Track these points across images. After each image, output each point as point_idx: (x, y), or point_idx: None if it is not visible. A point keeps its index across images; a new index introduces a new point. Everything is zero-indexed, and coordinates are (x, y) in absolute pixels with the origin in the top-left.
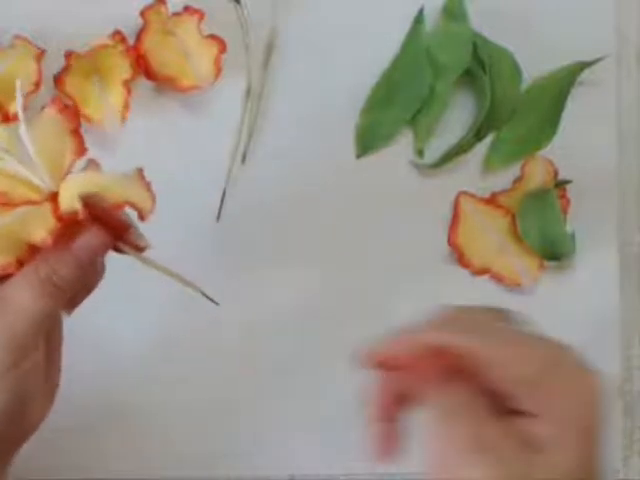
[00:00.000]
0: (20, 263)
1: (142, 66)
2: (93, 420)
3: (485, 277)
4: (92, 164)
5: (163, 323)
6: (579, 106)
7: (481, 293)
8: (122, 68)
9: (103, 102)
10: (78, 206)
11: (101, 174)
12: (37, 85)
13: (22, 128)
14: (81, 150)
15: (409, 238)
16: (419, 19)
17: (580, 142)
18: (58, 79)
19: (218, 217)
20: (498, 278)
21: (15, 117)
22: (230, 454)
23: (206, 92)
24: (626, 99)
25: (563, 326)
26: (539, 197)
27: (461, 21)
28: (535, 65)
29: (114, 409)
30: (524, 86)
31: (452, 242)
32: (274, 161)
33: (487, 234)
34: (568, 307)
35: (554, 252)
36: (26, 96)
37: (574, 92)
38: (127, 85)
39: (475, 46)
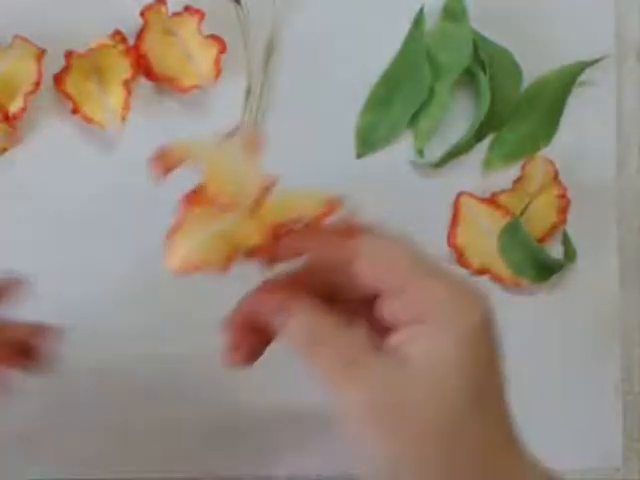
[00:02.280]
0: (227, 265)
1: (142, 66)
2: (93, 419)
3: (485, 277)
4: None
5: (163, 323)
6: (579, 106)
7: None
8: (122, 68)
9: (103, 102)
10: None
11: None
12: (37, 85)
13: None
14: None
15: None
16: (419, 19)
17: (580, 142)
18: (58, 79)
19: None
20: (498, 278)
21: (14, 117)
22: (230, 454)
23: (206, 92)
24: (626, 99)
25: (563, 326)
26: (510, 232)
27: (461, 21)
28: (535, 65)
29: (114, 409)
30: (524, 86)
31: (452, 242)
32: (274, 161)
33: (487, 234)
34: (568, 307)
35: (548, 273)
36: (26, 96)
37: (574, 92)
38: (127, 85)
39: (475, 46)
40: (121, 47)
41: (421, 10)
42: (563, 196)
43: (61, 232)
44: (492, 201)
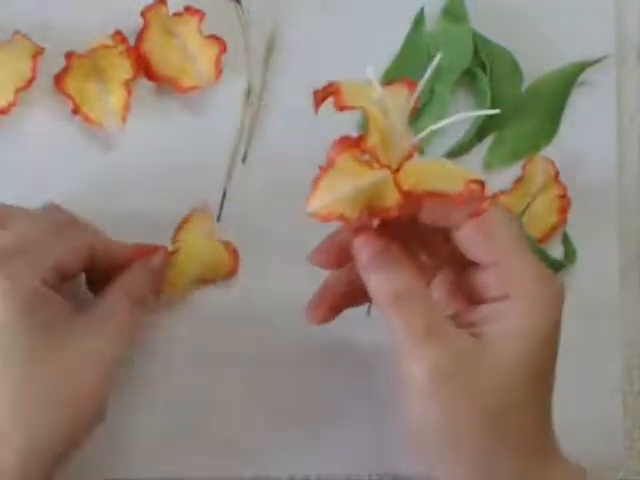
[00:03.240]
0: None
1: (142, 66)
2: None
3: None
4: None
5: (164, 321)
6: (579, 106)
7: None
8: (122, 68)
9: (103, 102)
10: (415, 189)
11: (441, 162)
12: (29, 82)
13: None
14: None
15: None
16: (419, 19)
17: (580, 142)
18: (58, 79)
19: (219, 218)
20: None
21: (5, 110)
22: (230, 454)
23: (206, 92)
24: (626, 99)
25: (563, 326)
26: None
27: (461, 21)
28: (535, 65)
29: (114, 408)
30: (524, 86)
31: None
32: (274, 161)
33: None
34: (568, 307)
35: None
36: (16, 92)
37: (574, 92)
38: (128, 85)
39: (475, 46)
40: (121, 47)
41: (421, 10)
42: (563, 196)
43: None
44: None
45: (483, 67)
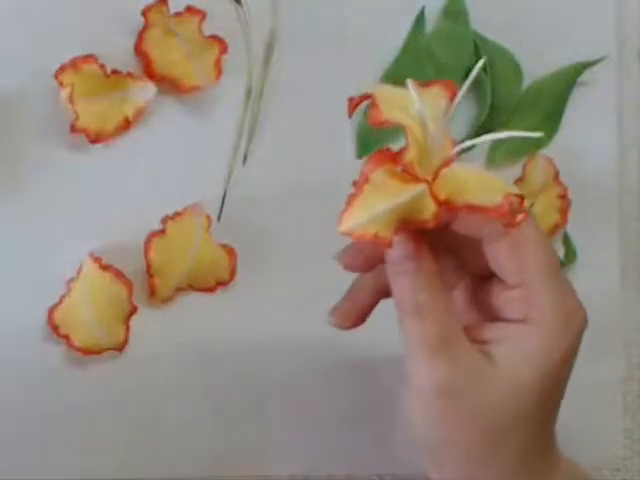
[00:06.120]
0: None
1: (143, 66)
2: (93, 419)
3: None
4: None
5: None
6: (579, 106)
7: None
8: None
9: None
10: (452, 199)
11: (479, 171)
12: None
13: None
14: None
15: None
16: (420, 19)
17: (580, 142)
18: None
19: (219, 218)
20: None
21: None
22: (230, 454)
23: (207, 92)
24: (626, 99)
25: None
26: None
27: (462, 21)
28: (535, 65)
29: (114, 407)
30: (524, 86)
31: None
32: (274, 161)
33: None
34: None
35: None
36: None
37: (574, 92)
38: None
39: (476, 46)
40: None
41: (422, 11)
42: (564, 196)
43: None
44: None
45: (484, 67)
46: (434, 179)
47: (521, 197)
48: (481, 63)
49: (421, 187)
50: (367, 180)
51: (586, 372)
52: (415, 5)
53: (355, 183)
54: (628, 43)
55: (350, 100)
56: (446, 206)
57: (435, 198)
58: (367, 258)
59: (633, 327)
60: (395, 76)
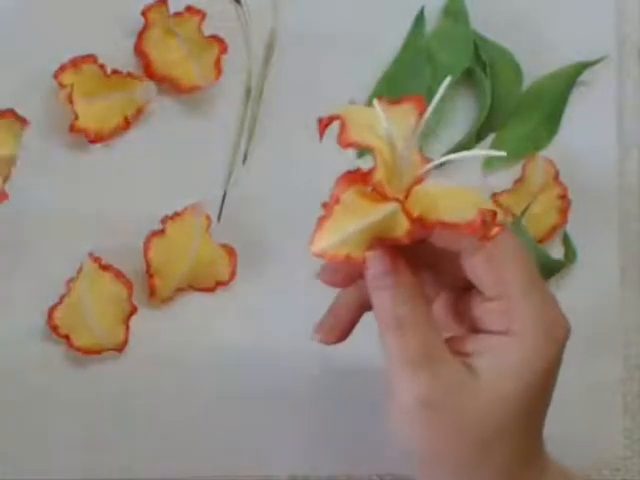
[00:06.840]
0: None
1: (143, 66)
2: (93, 419)
3: None
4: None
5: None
6: (579, 106)
7: None
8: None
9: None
10: (426, 215)
11: (452, 187)
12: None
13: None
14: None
15: None
16: (420, 19)
17: (580, 142)
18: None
19: (219, 218)
20: None
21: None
22: (230, 454)
23: (207, 92)
24: (626, 99)
25: None
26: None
27: (461, 21)
28: (535, 65)
29: (114, 407)
30: (524, 86)
31: None
32: (274, 161)
33: None
34: (568, 307)
35: (549, 273)
36: None
37: (574, 92)
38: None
39: (475, 46)
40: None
41: (421, 10)
42: (564, 196)
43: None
44: (493, 201)
45: (483, 67)
46: (406, 197)
47: (494, 212)
48: (447, 81)
49: (392, 206)
50: (337, 201)
51: (586, 372)
52: (415, 5)
53: (325, 205)
54: (628, 43)
55: (320, 121)
56: (419, 223)
57: (408, 216)
58: (346, 275)
59: (633, 327)
60: (395, 76)
